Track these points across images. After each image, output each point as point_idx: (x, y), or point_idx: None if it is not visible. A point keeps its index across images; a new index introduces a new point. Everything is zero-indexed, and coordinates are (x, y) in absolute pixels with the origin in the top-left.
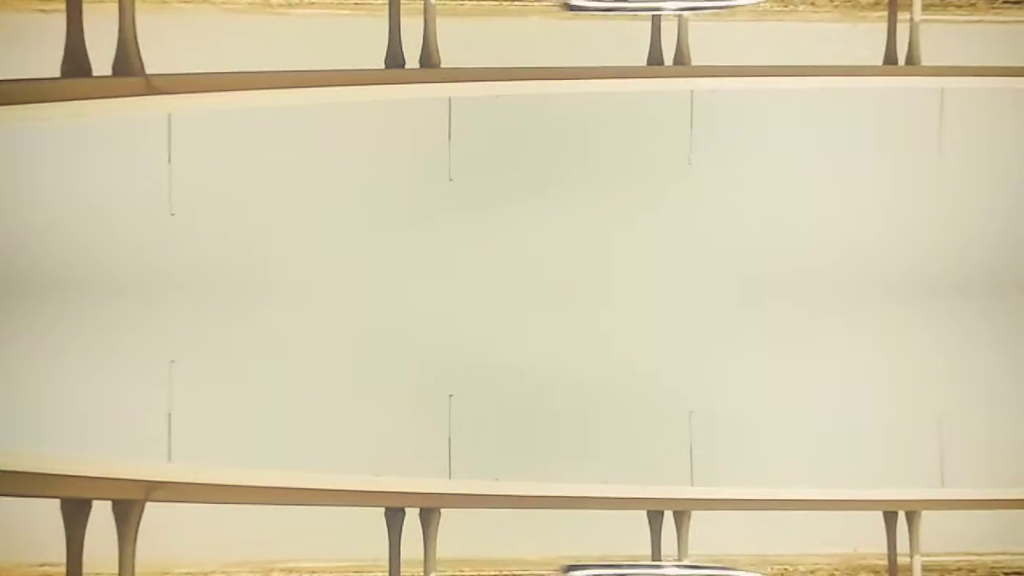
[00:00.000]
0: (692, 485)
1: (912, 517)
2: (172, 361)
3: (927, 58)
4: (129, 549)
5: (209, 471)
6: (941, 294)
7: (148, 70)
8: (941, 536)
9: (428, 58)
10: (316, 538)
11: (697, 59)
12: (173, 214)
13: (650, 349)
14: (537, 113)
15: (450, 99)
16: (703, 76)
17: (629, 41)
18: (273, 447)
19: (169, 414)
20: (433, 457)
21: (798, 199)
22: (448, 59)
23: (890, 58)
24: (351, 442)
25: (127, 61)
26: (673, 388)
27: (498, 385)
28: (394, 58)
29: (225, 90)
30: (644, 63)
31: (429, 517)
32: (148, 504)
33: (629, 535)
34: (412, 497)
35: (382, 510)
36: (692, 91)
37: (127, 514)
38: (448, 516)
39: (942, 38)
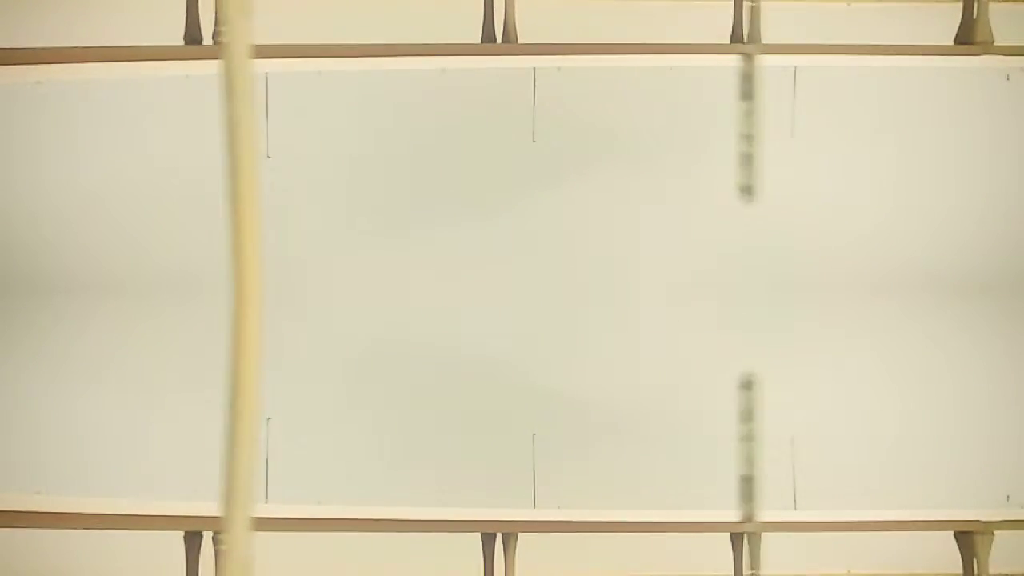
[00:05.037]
0: (534, 507)
1: (753, 538)
2: None
3: (785, 39)
4: None
5: None
6: (795, 295)
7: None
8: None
9: (220, 33)
10: (114, 562)
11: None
12: None
13: (488, 358)
14: (372, 91)
15: (267, 75)
16: (538, 54)
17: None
18: (68, 470)
19: None
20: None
21: (647, 180)
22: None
23: (737, 36)
24: (162, 466)
25: None
26: (516, 406)
27: (323, 405)
28: (192, 34)
29: (9, 64)
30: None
31: (220, 542)
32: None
33: (463, 559)
34: (209, 521)
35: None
36: (535, 69)
37: None
38: (274, 541)
39: (793, 18)
